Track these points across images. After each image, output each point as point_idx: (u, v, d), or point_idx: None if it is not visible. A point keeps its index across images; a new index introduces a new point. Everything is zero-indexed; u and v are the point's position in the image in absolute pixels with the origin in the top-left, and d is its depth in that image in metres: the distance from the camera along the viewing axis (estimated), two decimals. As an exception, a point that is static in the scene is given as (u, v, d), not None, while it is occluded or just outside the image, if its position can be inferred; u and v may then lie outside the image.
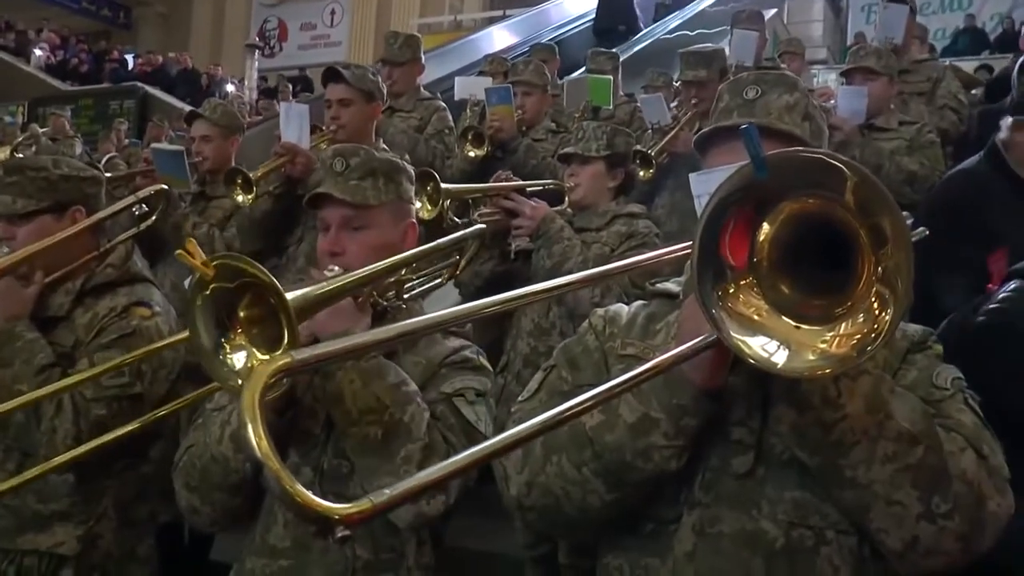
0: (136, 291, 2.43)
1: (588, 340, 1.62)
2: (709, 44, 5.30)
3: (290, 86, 15.22)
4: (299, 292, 1.47)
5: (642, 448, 1.37)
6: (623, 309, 1.67)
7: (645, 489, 1.42)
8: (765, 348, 1.19)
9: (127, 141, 11.05)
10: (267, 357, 1.43)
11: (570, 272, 3.03)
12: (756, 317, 1.23)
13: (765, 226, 1.24)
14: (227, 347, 1.47)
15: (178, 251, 1.44)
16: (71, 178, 2.43)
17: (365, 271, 1.67)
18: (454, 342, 1.91)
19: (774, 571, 1.38)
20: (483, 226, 2.03)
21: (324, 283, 1.57)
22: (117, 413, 2.21)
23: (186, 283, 1.49)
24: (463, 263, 2.02)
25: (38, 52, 19.08)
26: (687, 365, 1.31)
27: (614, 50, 7.05)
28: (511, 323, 3.30)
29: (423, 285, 2.00)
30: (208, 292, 1.45)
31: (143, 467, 2.42)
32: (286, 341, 1.40)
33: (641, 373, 1.24)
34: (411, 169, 2.03)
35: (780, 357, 1.19)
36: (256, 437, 0.94)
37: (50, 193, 2.38)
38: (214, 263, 1.43)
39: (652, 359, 1.28)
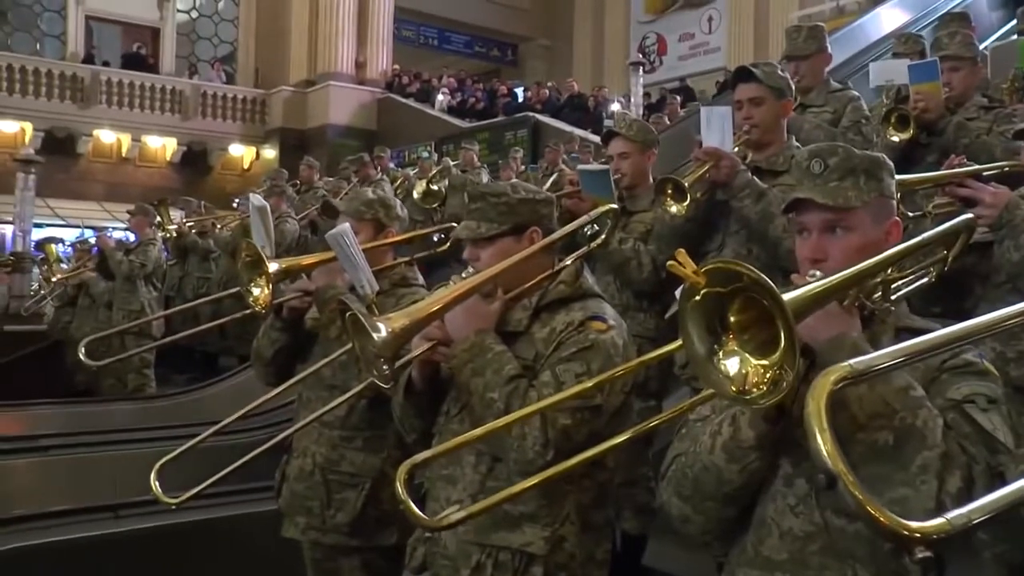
0: (589, 306, 2.51)
1: None
2: None
3: (678, 98, 15.40)
4: (794, 294, 1.43)
5: None
6: None
7: None
8: None
9: (523, 167, 11.92)
10: (763, 362, 1.42)
11: (1042, 265, 2.69)
12: None
13: None
14: (720, 353, 1.47)
15: (669, 262, 1.46)
16: (528, 201, 2.58)
17: (853, 270, 1.59)
18: None
19: None
20: (972, 216, 1.85)
21: (815, 283, 1.52)
22: (580, 423, 2.31)
23: (676, 292, 1.50)
24: (951, 257, 1.85)
25: (440, 96, 21.36)
26: None
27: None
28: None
29: (909, 284, 1.86)
30: (699, 299, 1.46)
31: (600, 475, 2.49)
32: (783, 346, 1.37)
33: None
34: (890, 163, 1.90)
35: None
36: (827, 447, 0.94)
37: (510, 216, 2.55)
38: (704, 271, 1.44)
39: None
